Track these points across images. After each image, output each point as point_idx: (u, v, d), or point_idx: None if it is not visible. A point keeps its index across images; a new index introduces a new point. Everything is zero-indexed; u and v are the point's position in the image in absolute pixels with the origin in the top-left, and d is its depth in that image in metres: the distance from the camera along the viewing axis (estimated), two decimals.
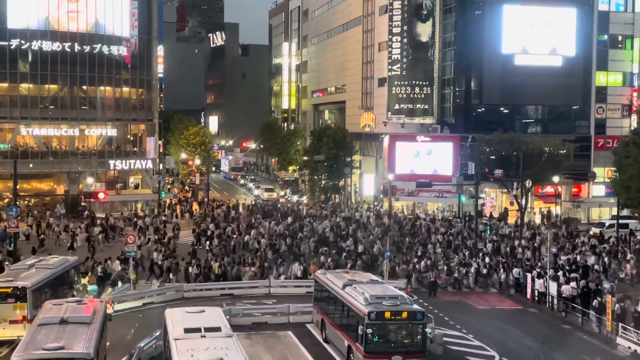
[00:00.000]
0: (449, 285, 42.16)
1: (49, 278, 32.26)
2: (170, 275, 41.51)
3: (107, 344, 27.64)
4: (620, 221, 56.36)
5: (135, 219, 61.94)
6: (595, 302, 35.04)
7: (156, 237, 53.72)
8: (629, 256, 47.56)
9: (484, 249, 49.14)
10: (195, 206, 72.95)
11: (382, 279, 37.46)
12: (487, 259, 45.45)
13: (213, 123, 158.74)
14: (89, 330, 23.38)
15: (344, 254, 46.40)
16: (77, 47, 68.82)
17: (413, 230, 57.10)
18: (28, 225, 57.19)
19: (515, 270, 42.54)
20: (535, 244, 50.73)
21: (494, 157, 62.85)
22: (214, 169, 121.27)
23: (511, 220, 63.59)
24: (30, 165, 67.11)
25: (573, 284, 37.77)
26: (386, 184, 67.52)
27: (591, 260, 46.00)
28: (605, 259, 46.42)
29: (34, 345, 21.28)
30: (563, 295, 37.08)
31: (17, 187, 46.93)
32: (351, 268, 40.74)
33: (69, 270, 35.56)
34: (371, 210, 68.45)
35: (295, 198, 76.00)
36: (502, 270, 43.42)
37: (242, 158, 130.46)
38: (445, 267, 43.75)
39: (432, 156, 71.64)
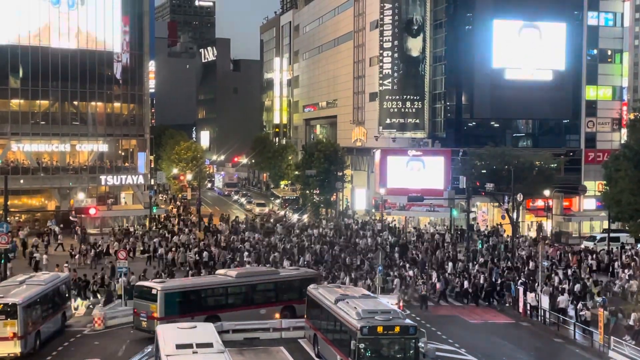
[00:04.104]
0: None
1: (40, 294, 32.09)
2: None
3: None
4: (612, 234, 56.57)
5: (166, 234, 62.43)
6: (583, 313, 35.22)
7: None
8: (620, 269, 47.74)
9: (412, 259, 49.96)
10: (200, 234, 70.58)
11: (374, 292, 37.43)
12: (405, 271, 45.86)
13: (204, 138, 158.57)
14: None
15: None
16: (68, 63, 68.78)
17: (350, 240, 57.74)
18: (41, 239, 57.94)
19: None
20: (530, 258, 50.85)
21: (485, 171, 62.90)
22: (209, 185, 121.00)
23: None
24: (21, 181, 66.77)
25: (566, 295, 37.84)
26: (378, 198, 67.49)
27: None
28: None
29: None
30: (559, 306, 37.07)
31: (8, 202, 46.81)
32: None
33: (60, 286, 35.35)
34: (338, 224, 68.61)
35: (295, 216, 75.92)
36: (435, 280, 43.65)
37: (236, 174, 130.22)
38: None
39: (424, 170, 71.71)
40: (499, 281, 43.51)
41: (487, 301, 42.36)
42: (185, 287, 35.10)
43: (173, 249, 53.64)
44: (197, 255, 51.13)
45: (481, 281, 43.68)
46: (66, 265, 46.21)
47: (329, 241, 57.06)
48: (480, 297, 42.70)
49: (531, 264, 47.84)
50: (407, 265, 48.43)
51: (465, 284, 43.35)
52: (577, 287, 40.94)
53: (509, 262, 49.73)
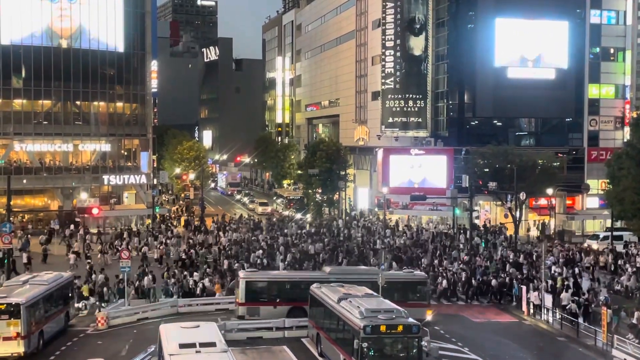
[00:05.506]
0: None
1: (43, 294, 32.11)
2: None
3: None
4: (615, 233, 56.49)
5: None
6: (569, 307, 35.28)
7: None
8: (624, 268, 47.68)
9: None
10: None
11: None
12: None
13: (207, 137, 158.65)
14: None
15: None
16: (70, 63, 68.82)
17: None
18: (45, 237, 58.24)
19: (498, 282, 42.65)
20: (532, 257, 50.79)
21: (487, 170, 62.87)
22: (212, 184, 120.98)
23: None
24: (24, 181, 66.85)
25: (570, 292, 37.83)
26: (380, 197, 67.47)
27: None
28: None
29: None
30: (562, 303, 37.05)
31: (11, 202, 46.88)
32: None
33: (64, 286, 35.38)
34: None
35: (298, 216, 75.97)
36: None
37: (239, 173, 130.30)
38: None
39: (426, 169, 71.65)
40: (480, 279, 43.47)
41: (468, 300, 42.46)
42: (267, 278, 37.89)
43: (162, 247, 53.97)
44: (183, 254, 51.49)
45: (463, 278, 43.70)
46: (89, 262, 46.83)
47: (317, 238, 57.24)
48: (458, 295, 42.87)
49: (533, 263, 47.88)
50: (395, 264, 48.35)
51: (444, 283, 43.35)
52: (567, 284, 40.96)
53: (489, 262, 49.58)
